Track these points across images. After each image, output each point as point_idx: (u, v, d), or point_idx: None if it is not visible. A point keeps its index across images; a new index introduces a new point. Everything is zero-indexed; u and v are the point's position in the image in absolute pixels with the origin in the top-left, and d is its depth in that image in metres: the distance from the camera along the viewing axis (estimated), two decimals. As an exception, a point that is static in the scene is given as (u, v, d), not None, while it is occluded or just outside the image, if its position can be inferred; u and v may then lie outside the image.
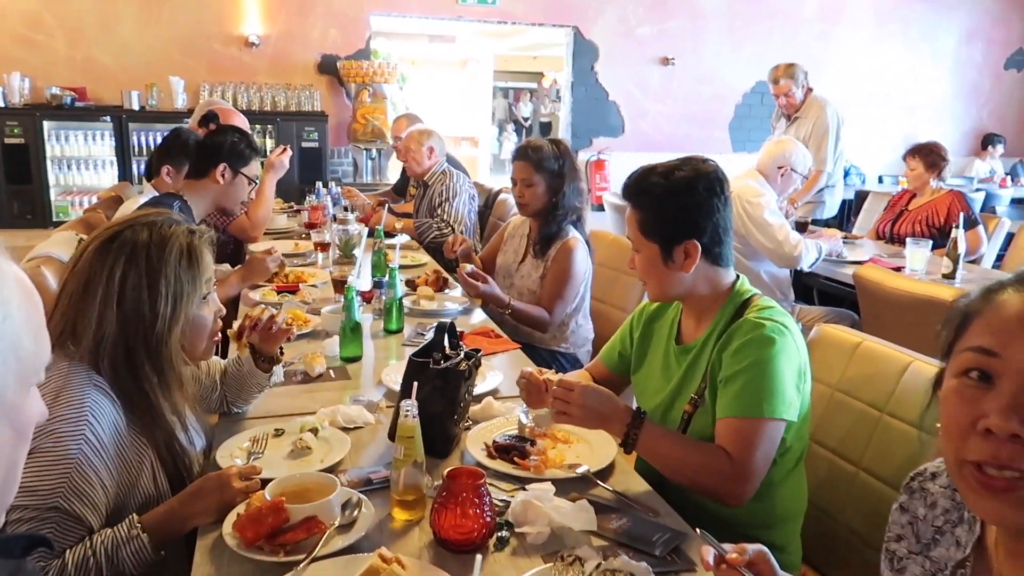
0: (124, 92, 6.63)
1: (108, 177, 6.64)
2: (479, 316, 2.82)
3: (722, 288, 1.69)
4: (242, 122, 3.92)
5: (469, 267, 2.86)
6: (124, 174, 6.56)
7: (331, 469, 1.57)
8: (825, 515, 1.80)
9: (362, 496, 1.43)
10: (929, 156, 4.46)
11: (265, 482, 1.41)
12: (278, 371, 1.93)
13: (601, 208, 7.50)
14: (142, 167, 5.83)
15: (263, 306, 1.82)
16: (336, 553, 1.28)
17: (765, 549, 1.11)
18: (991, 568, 0.94)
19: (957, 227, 3.64)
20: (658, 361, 1.80)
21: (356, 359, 2.27)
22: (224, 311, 1.64)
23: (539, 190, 2.90)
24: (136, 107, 6.64)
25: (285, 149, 3.61)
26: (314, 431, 1.70)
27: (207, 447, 1.69)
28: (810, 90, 5.17)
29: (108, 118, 6.56)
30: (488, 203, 4.77)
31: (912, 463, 1.64)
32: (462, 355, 1.68)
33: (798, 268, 3.73)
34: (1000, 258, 4.60)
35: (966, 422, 0.83)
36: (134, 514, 1.33)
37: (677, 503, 1.52)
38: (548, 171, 2.89)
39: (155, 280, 1.44)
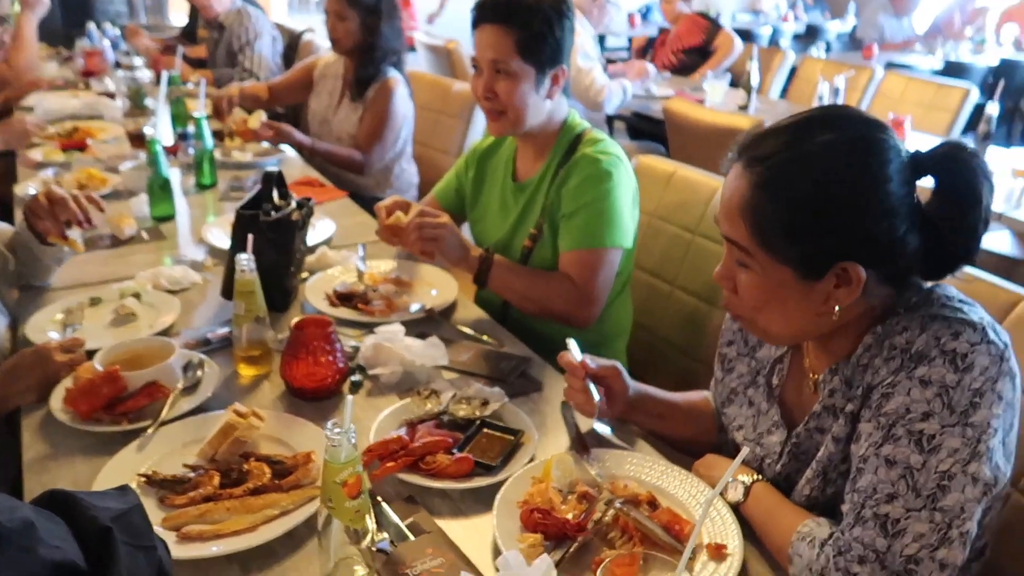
0: None
1: None
2: (300, 166, 2.69)
3: (559, 120, 1.71)
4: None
5: (260, 119, 2.67)
6: None
7: (163, 334, 1.49)
8: (646, 331, 1.97)
9: (203, 356, 1.38)
10: None
11: (91, 354, 1.31)
12: (75, 236, 1.67)
13: (411, 49, 7.20)
14: None
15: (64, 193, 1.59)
16: (185, 415, 1.24)
17: (619, 364, 1.22)
18: (803, 359, 1.09)
19: (751, 59, 3.89)
20: (495, 199, 1.83)
21: (169, 218, 2.11)
22: None
23: (352, 26, 2.71)
24: None
25: None
26: (137, 296, 1.59)
27: (12, 323, 1.53)
28: None
29: None
30: (292, 45, 4.41)
31: (721, 278, 1.84)
32: (293, 205, 1.61)
33: (603, 112, 3.82)
34: (786, 90, 4.99)
35: None
36: None
37: (518, 332, 1.61)
38: (362, 5, 2.69)
39: None
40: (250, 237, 1.35)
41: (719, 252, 1.83)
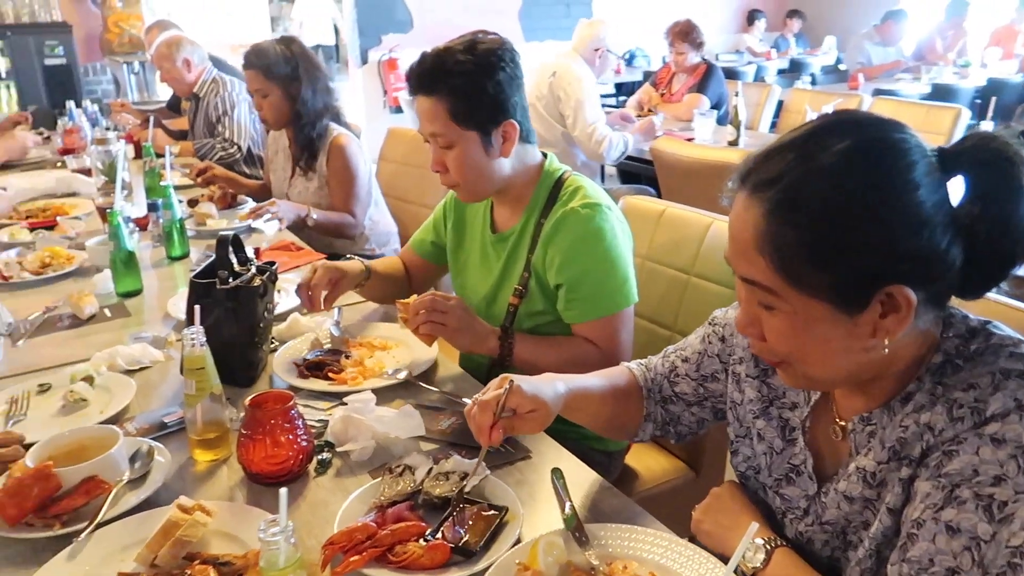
0: None
1: None
2: (277, 230, 2.58)
3: (533, 169, 1.60)
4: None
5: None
6: None
7: (115, 419, 1.36)
8: (647, 381, 1.83)
9: (154, 443, 1.24)
10: (698, 38, 4.61)
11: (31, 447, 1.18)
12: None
13: (399, 110, 7.23)
14: None
15: None
16: (129, 512, 1.10)
17: (542, 398, 1.05)
18: (829, 399, 0.97)
19: (737, 94, 3.83)
20: (475, 251, 1.71)
21: (136, 293, 2.00)
22: None
23: (275, 99, 2.66)
24: None
25: None
26: (88, 379, 1.47)
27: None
28: None
29: None
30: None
31: (721, 319, 1.71)
32: (254, 270, 1.50)
33: (603, 163, 3.77)
34: (775, 124, 4.94)
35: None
36: None
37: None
38: (280, 77, 2.64)
39: None
40: (197, 308, 1.23)
41: (718, 292, 1.74)
